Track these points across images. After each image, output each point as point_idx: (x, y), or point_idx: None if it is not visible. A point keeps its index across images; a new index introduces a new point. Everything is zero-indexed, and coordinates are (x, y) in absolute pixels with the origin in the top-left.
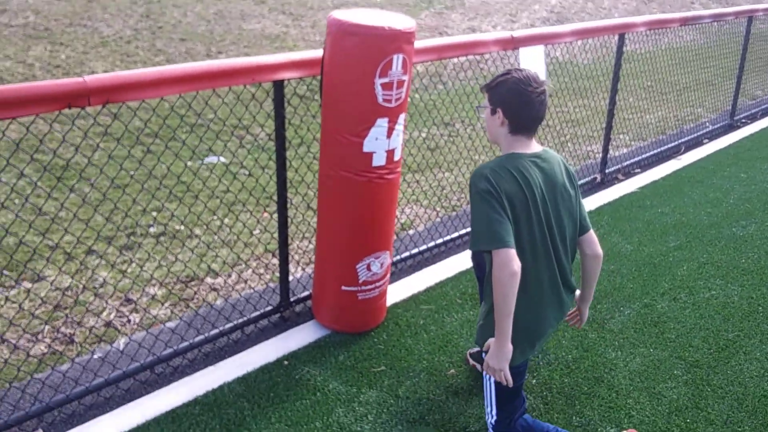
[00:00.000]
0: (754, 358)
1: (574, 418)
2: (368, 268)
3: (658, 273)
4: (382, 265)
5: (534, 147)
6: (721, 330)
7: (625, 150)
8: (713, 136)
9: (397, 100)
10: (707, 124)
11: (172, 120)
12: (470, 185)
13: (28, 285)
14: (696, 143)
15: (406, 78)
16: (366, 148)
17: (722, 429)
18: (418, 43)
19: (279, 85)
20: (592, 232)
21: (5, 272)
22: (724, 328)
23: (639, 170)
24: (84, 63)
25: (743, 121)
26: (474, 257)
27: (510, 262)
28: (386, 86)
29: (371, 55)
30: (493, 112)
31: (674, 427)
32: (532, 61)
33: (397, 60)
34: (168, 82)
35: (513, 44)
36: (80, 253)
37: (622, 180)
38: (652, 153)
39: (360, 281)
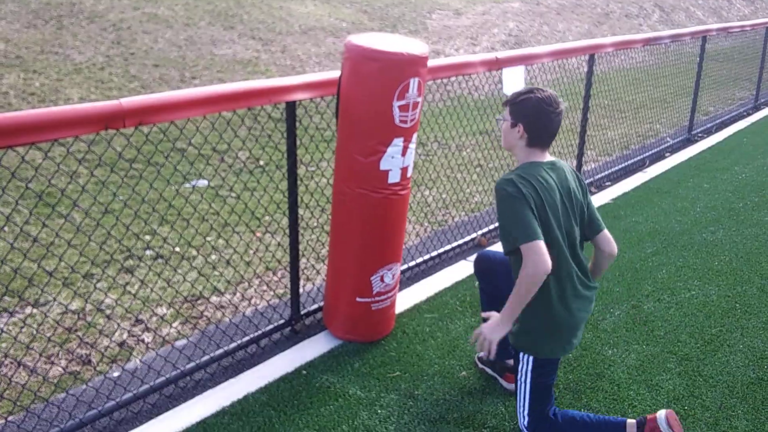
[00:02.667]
0: (738, 350)
1: (582, 410)
2: (382, 279)
3: (640, 277)
4: (393, 276)
5: (547, 157)
6: (704, 326)
7: (593, 165)
8: (674, 150)
9: (411, 120)
10: (667, 138)
11: (147, 146)
12: (497, 191)
13: (38, 309)
14: (659, 157)
15: (420, 99)
16: (382, 167)
17: (717, 414)
18: (443, 61)
19: (291, 106)
20: (606, 231)
21: (6, 298)
22: (708, 324)
23: (609, 183)
24: (59, 90)
25: (700, 135)
26: (479, 264)
27: (545, 257)
28: (403, 108)
29: (390, 79)
30: (514, 125)
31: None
32: (513, 80)
33: (414, 83)
34: (195, 104)
35: (497, 65)
36: (79, 277)
37: (595, 192)
38: (619, 167)
39: (374, 292)
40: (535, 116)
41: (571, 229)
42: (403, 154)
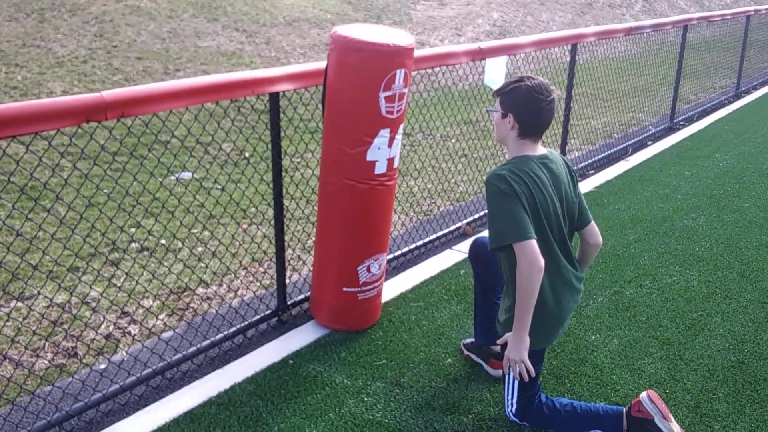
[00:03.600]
0: (719, 334)
1: (565, 395)
2: (368, 269)
3: (622, 263)
4: (380, 266)
5: (540, 149)
6: (685, 311)
7: (576, 153)
8: (656, 138)
9: (398, 111)
10: (650, 127)
11: (130, 139)
12: (488, 186)
13: (23, 303)
14: (641, 145)
15: (406, 90)
16: (369, 158)
17: (699, 397)
18: (429, 51)
19: (275, 97)
20: (593, 223)
21: None
22: (688, 309)
23: (593, 171)
24: (41, 84)
25: (682, 123)
26: (474, 249)
27: (538, 256)
28: (389, 99)
29: (377, 70)
30: (504, 116)
31: None
32: (496, 71)
33: (400, 74)
34: (177, 95)
35: (480, 55)
36: (64, 271)
37: (579, 181)
38: (602, 155)
39: (360, 282)
40: (525, 105)
41: (561, 225)
42: (390, 145)
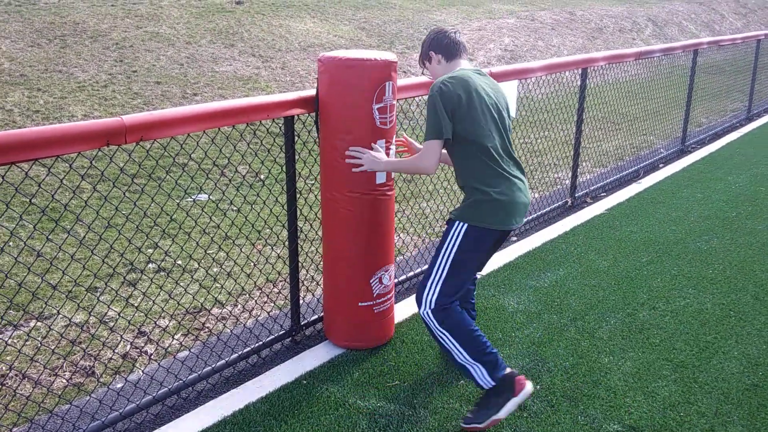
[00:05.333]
0: (733, 357)
1: (579, 417)
2: (380, 281)
3: (635, 285)
4: (390, 277)
5: (472, 65)
6: (699, 334)
7: (588, 176)
8: (668, 160)
9: (390, 122)
10: (661, 150)
11: (149, 162)
12: (429, 93)
13: (42, 322)
14: (653, 168)
15: (395, 102)
16: None
17: (713, 420)
18: (413, 80)
19: (290, 120)
20: None
21: (11, 312)
22: (702, 331)
23: (605, 194)
24: (63, 108)
25: (693, 146)
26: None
27: (432, 160)
28: (381, 110)
29: (368, 84)
30: (430, 59)
31: (670, 421)
32: (508, 95)
33: (389, 86)
34: (194, 119)
35: None
36: (82, 291)
37: (591, 203)
38: (614, 178)
39: (375, 295)
40: (436, 40)
41: (505, 121)
42: (386, 155)
